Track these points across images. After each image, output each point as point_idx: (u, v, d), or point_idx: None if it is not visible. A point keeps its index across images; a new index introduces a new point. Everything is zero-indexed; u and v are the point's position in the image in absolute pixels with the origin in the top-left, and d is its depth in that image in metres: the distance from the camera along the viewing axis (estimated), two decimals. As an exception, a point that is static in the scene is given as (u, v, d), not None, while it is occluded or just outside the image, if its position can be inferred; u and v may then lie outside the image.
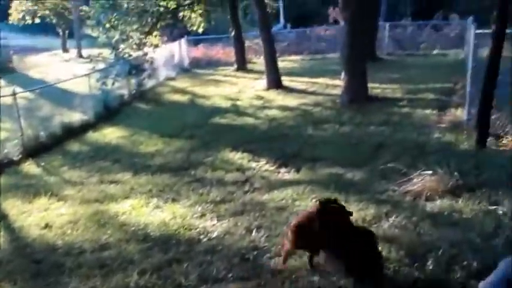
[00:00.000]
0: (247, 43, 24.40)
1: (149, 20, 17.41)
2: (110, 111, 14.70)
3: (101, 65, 17.84)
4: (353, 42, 12.28)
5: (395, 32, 25.46)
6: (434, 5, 29.90)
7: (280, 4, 34.77)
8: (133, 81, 17.15)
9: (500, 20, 7.10)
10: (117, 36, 17.04)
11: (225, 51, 26.49)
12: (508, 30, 7.69)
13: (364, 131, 9.75)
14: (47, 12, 34.91)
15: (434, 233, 4.97)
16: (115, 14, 16.88)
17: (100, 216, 6.38)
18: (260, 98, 14.93)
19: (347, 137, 9.44)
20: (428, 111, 10.86)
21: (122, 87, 16.74)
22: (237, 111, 13.40)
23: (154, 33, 18.23)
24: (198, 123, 12.09)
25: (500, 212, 5.22)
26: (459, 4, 31.43)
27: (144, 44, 18.02)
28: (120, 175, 8.40)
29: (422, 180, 6.21)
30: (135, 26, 17.53)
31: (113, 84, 15.62)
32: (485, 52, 8.25)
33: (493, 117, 8.06)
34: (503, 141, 7.85)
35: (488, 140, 7.74)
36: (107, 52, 16.97)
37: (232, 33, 21.64)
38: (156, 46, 19.13)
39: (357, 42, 12.31)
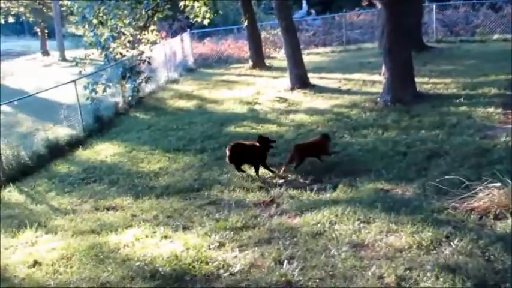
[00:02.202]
0: (263, 35, 24.56)
1: (144, 12, 17.52)
2: (102, 124, 14.89)
3: (89, 69, 18.03)
4: (394, 29, 12.29)
5: (445, 15, 25.41)
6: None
7: (302, -14, 34.93)
8: (128, 86, 17.30)
9: None
10: (106, 34, 17.20)
11: (237, 46, 26.70)
12: None
13: (414, 136, 9.73)
14: (22, 9, 35.39)
15: (507, 259, 4.92)
16: (103, 8, 17.05)
17: (97, 250, 6.44)
18: (283, 100, 15.00)
19: (393, 144, 9.43)
20: (491, 110, 10.80)
21: (115, 94, 16.96)
22: (256, 117, 13.49)
23: (151, 27, 18.34)
24: (209, 133, 12.20)
25: None
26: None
27: (139, 42, 18.16)
28: (118, 200, 8.50)
29: (489, 194, 6.16)
30: (127, 21, 17.66)
31: (104, 91, 15.75)
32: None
33: None
34: None
35: None
36: (95, 53, 17.12)
37: (245, 24, 21.76)
38: (154, 43, 19.28)
39: (399, 28, 12.31)
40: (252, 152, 8.93)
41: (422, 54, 18.38)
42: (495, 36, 22.04)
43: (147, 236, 6.70)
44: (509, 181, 6.22)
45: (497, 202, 6.02)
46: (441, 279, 4.73)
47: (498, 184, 6.25)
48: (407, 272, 4.93)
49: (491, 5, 24.77)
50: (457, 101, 11.88)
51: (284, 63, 17.68)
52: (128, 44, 17.74)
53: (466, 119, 10.48)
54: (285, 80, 17.00)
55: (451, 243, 5.36)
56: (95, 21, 16.79)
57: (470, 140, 8.96)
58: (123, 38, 17.67)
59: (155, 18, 18.33)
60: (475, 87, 13.00)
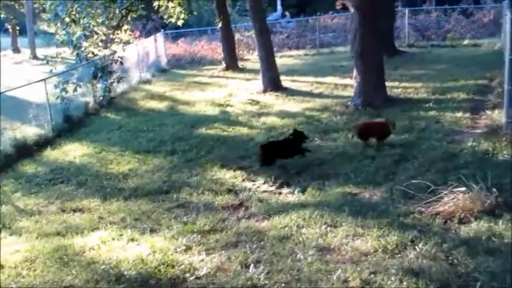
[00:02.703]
0: (237, 36, 24.57)
1: (117, 11, 17.42)
2: (72, 124, 14.74)
3: (60, 68, 17.84)
4: (366, 33, 12.40)
5: (417, 19, 25.70)
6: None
7: (277, -12, 35.03)
8: (99, 86, 17.17)
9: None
10: (79, 32, 17.05)
11: (210, 47, 26.68)
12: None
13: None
14: (-8, 5, 34.98)
15: (470, 263, 4.99)
16: (76, 6, 16.89)
17: (62, 253, 6.36)
18: (255, 102, 15.03)
19: (362, 148, 9.49)
20: (459, 114, 10.94)
21: (86, 94, 16.82)
22: (228, 119, 13.47)
23: (124, 27, 18.24)
24: (180, 135, 12.15)
25: (550, 235, 5.26)
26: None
27: (112, 41, 18.04)
28: (86, 202, 8.41)
29: (454, 198, 6.25)
30: (100, 20, 17.53)
31: (75, 90, 15.63)
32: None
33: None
34: (551, 149, 7.92)
35: (533, 147, 7.81)
36: (67, 52, 16.96)
37: (220, 25, 21.74)
38: (127, 43, 19.17)
39: (371, 32, 12.42)
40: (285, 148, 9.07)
41: (393, 58, 18.56)
42: (465, 42, 22.35)
43: (113, 239, 6.64)
44: (474, 186, 6.32)
45: (461, 206, 6.11)
46: (405, 283, 4.79)
47: (463, 189, 6.35)
48: (372, 275, 4.97)
49: (463, 11, 25.12)
50: (427, 105, 12.02)
51: (257, 66, 17.72)
52: (100, 43, 17.62)
53: (434, 123, 10.60)
54: (258, 83, 17.03)
55: (416, 247, 5.42)
56: (67, 19, 16.63)
57: (438, 145, 9.06)
58: (95, 37, 17.54)
59: (129, 18, 18.24)
60: (444, 92, 13.17)
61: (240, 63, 22.67)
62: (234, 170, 9.11)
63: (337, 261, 5.35)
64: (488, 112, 10.79)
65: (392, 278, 4.87)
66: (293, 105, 14.09)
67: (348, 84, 14.90)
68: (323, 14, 29.01)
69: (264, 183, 8.42)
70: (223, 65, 22.41)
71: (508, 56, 9.12)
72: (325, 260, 5.39)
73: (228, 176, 8.91)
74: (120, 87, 18.72)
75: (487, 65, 15.58)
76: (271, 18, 30.42)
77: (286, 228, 6.32)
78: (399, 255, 5.33)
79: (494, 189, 6.21)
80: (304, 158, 9.11)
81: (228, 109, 14.70)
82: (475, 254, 5.16)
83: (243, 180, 8.67)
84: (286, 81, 17.04)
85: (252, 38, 20.59)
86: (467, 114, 10.95)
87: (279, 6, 34.97)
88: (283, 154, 9.07)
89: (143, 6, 18.88)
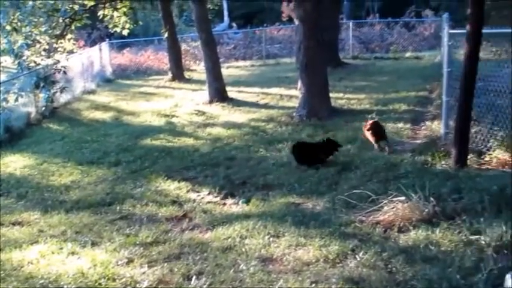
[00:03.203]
0: (184, 47, 24.56)
1: (61, 20, 17.17)
2: (12, 135, 14.39)
3: (1, 77, 17.44)
4: (311, 44, 12.57)
5: (362, 32, 26.27)
6: (405, -1, 31.03)
7: (224, -1, 35.17)
8: (42, 96, 16.86)
9: (475, 19, 7.45)
10: (20, 41, 16.71)
11: (157, 57, 26.60)
12: (486, 30, 8.11)
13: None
14: None
15: (408, 271, 5.09)
16: (18, 14, 16.57)
17: (0, 268, 6.20)
18: (201, 113, 15.01)
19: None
20: (400, 125, 11.22)
21: (28, 104, 16.44)
22: (173, 130, 13.42)
23: (68, 36, 17.99)
24: (125, 146, 12.02)
25: (483, 242, 5.42)
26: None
27: (55, 50, 17.76)
28: (25, 215, 8.18)
29: (394, 208, 6.37)
30: (43, 29, 17.24)
31: (16, 100, 15.29)
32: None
33: (473, 130, 8.41)
34: (485, 159, 8.18)
35: (469, 157, 8.04)
36: (8, 61, 16.63)
37: (166, 35, 21.67)
38: (71, 52, 18.90)
39: (315, 44, 12.61)
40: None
41: (338, 70, 18.90)
42: (408, 54, 22.95)
43: (53, 253, 6.48)
44: (413, 195, 6.47)
45: (401, 215, 6.23)
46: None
47: (403, 198, 6.48)
48: (313, 285, 5.02)
49: (405, 24, 25.81)
50: (369, 116, 12.22)
51: (204, 76, 17.74)
52: (43, 53, 17.32)
53: (376, 134, 10.81)
54: (204, 93, 17.04)
55: (356, 256, 5.50)
56: (8, 27, 16.29)
57: (380, 155, 9.25)
58: (38, 46, 17.24)
59: (73, 27, 18.01)
60: (386, 103, 13.47)
61: (187, 74, 22.65)
62: (179, 181, 9.06)
63: (279, 271, 5.38)
64: (428, 123, 11.09)
65: (333, 287, 4.93)
66: (239, 116, 14.15)
67: (293, 95, 15.05)
68: (270, 25, 29.28)
69: (209, 194, 8.40)
70: (170, 75, 22.34)
71: (446, 68, 9.41)
72: (267, 270, 5.40)
73: (172, 187, 8.85)
74: (63, 98, 18.43)
75: (428, 77, 16.07)
76: (218, 29, 30.58)
77: (230, 239, 6.32)
78: (340, 264, 5.39)
79: (432, 199, 6.36)
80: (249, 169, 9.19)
81: (174, 120, 14.65)
82: (413, 262, 5.27)
83: (188, 191, 8.63)
84: (232, 92, 17.11)
85: (199, 49, 20.59)
86: (408, 125, 11.24)
87: (226, 17, 35.15)
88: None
89: (88, 15, 18.68)
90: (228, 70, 22.04)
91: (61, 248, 6.57)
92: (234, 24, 34.97)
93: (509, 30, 8.44)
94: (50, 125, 15.82)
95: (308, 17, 12.48)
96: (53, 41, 17.53)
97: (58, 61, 17.49)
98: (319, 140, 9.75)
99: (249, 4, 41.48)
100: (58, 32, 17.47)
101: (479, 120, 8.95)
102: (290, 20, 25.86)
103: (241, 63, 25.50)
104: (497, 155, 8.14)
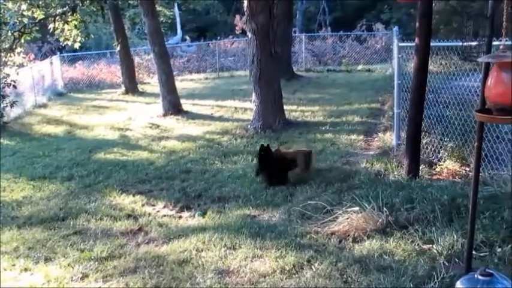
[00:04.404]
0: (137, 60, 24.46)
1: (10, 33, 16.88)
2: (-40, 150, 14.01)
3: None
4: (263, 57, 12.67)
5: (315, 45, 26.63)
6: (356, 13, 31.63)
7: (177, 12, 35.11)
8: (-9, 110, 16.55)
9: (423, 32, 7.67)
10: (-32, 55, 16.41)
11: (109, 70, 26.38)
12: (435, 43, 8.36)
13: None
14: None
15: (363, 280, 5.18)
16: (-34, 27, 16.27)
17: (-51, 287, 6.04)
18: (155, 126, 14.96)
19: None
20: (354, 137, 11.42)
21: (-24, 119, 16.08)
22: (127, 143, 13.31)
23: (17, 49, 17.69)
24: (78, 160, 11.85)
25: (435, 251, 5.56)
26: (384, 12, 33.44)
27: (5, 64, 17.45)
28: (-25, 232, 8.00)
29: (348, 218, 6.47)
30: (-8, 42, 16.95)
31: (-35, 115, 14.97)
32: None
33: (424, 141, 8.63)
34: (436, 169, 8.40)
35: (421, 168, 8.23)
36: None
37: (118, 48, 21.52)
38: (21, 66, 18.59)
39: (268, 56, 12.70)
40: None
41: (291, 82, 19.11)
42: (359, 67, 23.39)
43: (5, 269, 6.33)
44: (367, 205, 6.59)
45: (355, 226, 6.33)
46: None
47: (356, 208, 6.59)
48: (270, 296, 5.06)
49: (356, 37, 26.27)
50: (323, 128, 12.44)
51: (157, 89, 17.68)
52: (-9, 66, 17.01)
53: (330, 145, 10.97)
54: (158, 106, 16.98)
55: (312, 266, 5.56)
56: (-44, 40, 15.97)
57: (334, 166, 9.38)
58: (-14, 59, 16.92)
59: (22, 40, 17.68)
60: (339, 115, 13.68)
61: (140, 87, 22.55)
62: (134, 195, 8.98)
63: (236, 283, 5.39)
64: (380, 134, 11.31)
65: (290, 298, 4.98)
66: (194, 129, 14.13)
67: (247, 108, 15.13)
68: (223, 38, 29.43)
69: (164, 207, 8.36)
70: (123, 88, 22.20)
71: (397, 80, 9.63)
72: (224, 282, 5.41)
73: (127, 201, 8.77)
74: (13, 112, 18.11)
75: (380, 90, 16.41)
76: (171, 42, 30.52)
77: (186, 252, 6.30)
78: (296, 275, 5.44)
79: (385, 209, 6.49)
80: (204, 181, 9.20)
81: (128, 133, 14.54)
82: (367, 271, 5.35)
83: (143, 205, 8.56)
84: (186, 104, 17.10)
85: (152, 62, 20.52)
86: (361, 137, 11.44)
87: (179, 30, 35.10)
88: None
89: (37, 28, 18.40)
90: (182, 83, 22.03)
91: (13, 265, 6.44)
92: (187, 37, 34.97)
93: (458, 44, 8.70)
94: (0, 140, 15.48)
95: (261, 30, 12.57)
96: (2, 54, 17.22)
97: (8, 75, 17.20)
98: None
99: (202, 17, 41.60)
100: (7, 46, 17.16)
101: (430, 132, 9.19)
102: (243, 32, 26.12)
103: (195, 76, 25.51)
104: (447, 166, 8.37)
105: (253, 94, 13.20)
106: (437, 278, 4.96)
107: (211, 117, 15.46)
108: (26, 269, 6.31)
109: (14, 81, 17.23)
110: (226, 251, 6.19)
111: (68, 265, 6.26)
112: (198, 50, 29.51)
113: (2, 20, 16.92)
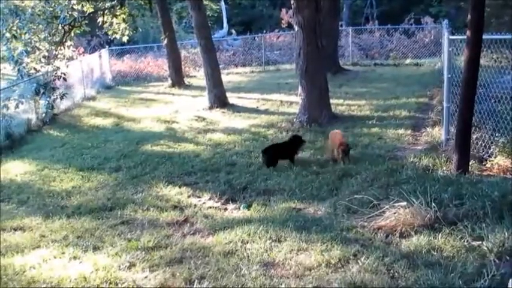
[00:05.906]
0: (183, 53, 24.61)
1: (60, 27, 17.20)
2: (13, 141, 14.44)
3: (1, 84, 17.48)
4: (310, 51, 12.59)
5: (361, 39, 26.31)
6: (404, 6, 31.12)
7: (223, 6, 35.24)
8: (42, 102, 16.90)
9: (475, 24, 7.48)
10: (20, 48, 16.75)
11: (156, 64, 26.61)
12: (486, 36, 8.14)
13: (325, 156, 9.99)
14: None
15: (410, 276, 5.11)
16: (17, 21, 16.61)
17: (1, 273, 6.20)
18: (201, 119, 15.05)
19: (307, 164, 9.60)
20: (401, 131, 11.25)
21: (28, 111, 16.52)
22: (174, 136, 13.45)
23: (68, 43, 18.01)
24: (125, 152, 12.03)
25: (485, 248, 5.43)
26: (433, 5, 32.81)
27: (55, 57, 17.79)
28: (27, 220, 8.19)
29: (395, 213, 6.38)
30: (42, 35, 17.28)
31: (17, 107, 15.34)
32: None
33: (474, 136, 8.44)
34: (486, 165, 8.21)
35: (470, 163, 8.06)
36: (7, 68, 16.67)
37: (165, 42, 21.72)
38: (71, 59, 18.94)
39: (314, 50, 12.62)
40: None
41: (338, 76, 18.94)
42: (407, 61, 22.99)
43: (55, 257, 6.49)
44: (415, 201, 6.48)
45: (402, 221, 6.25)
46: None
47: (404, 203, 6.49)
48: (315, 290, 5.04)
49: (404, 31, 25.83)
50: (370, 122, 12.30)
51: (203, 83, 17.77)
52: (42, 59, 17.34)
53: (377, 140, 10.86)
54: (204, 99, 17.08)
55: (358, 261, 5.51)
56: (8, 34, 16.32)
57: (381, 161, 9.26)
58: (37, 53, 17.26)
59: (72, 34, 18.00)
60: (386, 109, 13.50)
61: (186, 80, 22.69)
62: (180, 187, 9.08)
63: (281, 276, 5.39)
64: (428, 129, 11.11)
65: (335, 292, 4.95)
66: (239, 122, 14.17)
67: (293, 101, 15.08)
68: (269, 31, 29.36)
69: (210, 199, 8.43)
70: (169, 81, 22.38)
71: (447, 74, 9.44)
72: (269, 274, 5.41)
73: (173, 192, 8.87)
74: (63, 104, 18.47)
75: (427, 84, 16.13)
76: (217, 36, 30.62)
77: (231, 244, 6.33)
78: (342, 269, 5.40)
79: (433, 204, 6.37)
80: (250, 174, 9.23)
81: (174, 126, 14.67)
82: (415, 267, 5.28)
83: (189, 196, 8.65)
84: (232, 98, 17.15)
85: (199, 55, 20.62)
86: (409, 131, 11.27)
87: (225, 24, 35.18)
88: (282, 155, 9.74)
89: (87, 22, 18.71)
90: (228, 76, 22.09)
91: (63, 253, 6.59)
92: (233, 31, 35.02)
93: (510, 37, 8.47)
94: (51, 131, 15.86)
95: (307, 23, 12.50)
96: (53, 47, 17.56)
97: (58, 68, 17.52)
98: (286, 139, 10.37)
99: (247, 11, 41.67)
100: (57, 39, 17.50)
101: (481, 127, 8.98)
102: (289, 26, 26.02)
103: (240, 69, 25.53)
104: (498, 161, 8.17)
105: (299, 87, 13.15)
106: (488, 276, 4.84)
107: (256, 111, 15.47)
108: (75, 257, 6.44)
109: (64, 74, 17.53)
110: (272, 244, 6.19)
111: (116, 254, 6.37)
112: (243, 44, 29.48)
113: (53, 14, 17.26)
